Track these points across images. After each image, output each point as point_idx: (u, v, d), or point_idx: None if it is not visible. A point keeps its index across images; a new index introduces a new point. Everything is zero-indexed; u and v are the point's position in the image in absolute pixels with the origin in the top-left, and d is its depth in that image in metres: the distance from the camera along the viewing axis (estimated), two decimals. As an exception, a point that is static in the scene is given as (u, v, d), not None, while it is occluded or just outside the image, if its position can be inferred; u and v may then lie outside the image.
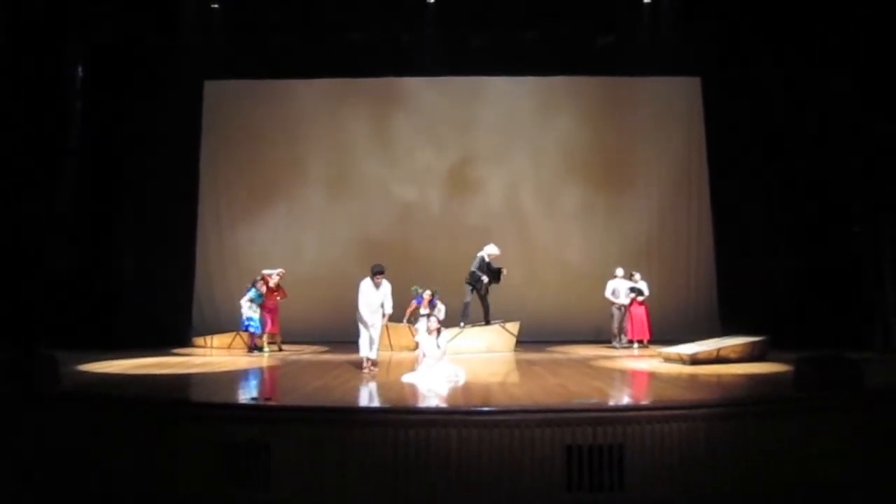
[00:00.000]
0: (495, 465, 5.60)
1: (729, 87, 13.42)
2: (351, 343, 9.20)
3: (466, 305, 11.93)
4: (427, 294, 11.85)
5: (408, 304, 12.10)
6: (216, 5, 13.37)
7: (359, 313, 8.80)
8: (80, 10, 12.32)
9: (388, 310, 8.97)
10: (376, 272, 8.79)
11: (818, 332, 10.80)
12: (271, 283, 12.00)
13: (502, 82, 14.49)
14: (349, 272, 13.82)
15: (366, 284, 8.79)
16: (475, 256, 11.95)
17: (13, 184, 11.34)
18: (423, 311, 11.59)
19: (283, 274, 12.22)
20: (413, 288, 11.99)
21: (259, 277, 12.00)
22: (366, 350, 8.86)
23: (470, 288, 11.91)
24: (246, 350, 11.90)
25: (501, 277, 12.00)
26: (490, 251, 11.96)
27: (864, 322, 11.12)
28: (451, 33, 13.61)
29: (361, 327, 8.85)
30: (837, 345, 8.90)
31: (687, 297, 14.01)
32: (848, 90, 11.45)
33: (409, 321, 12.02)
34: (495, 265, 12.01)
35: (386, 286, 8.89)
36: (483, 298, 11.95)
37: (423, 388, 7.45)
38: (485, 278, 11.78)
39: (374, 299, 8.79)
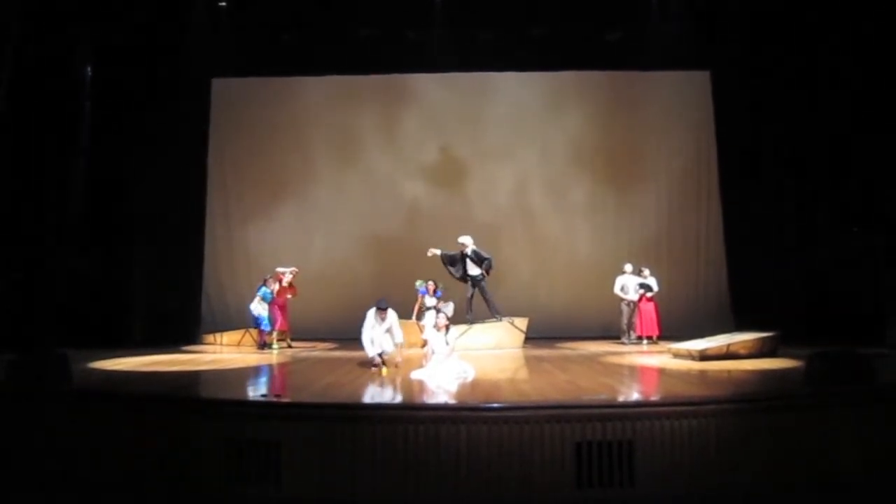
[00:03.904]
0: (505, 461, 5.60)
1: (739, 81, 13.33)
2: (358, 339, 9.19)
3: (469, 301, 11.95)
4: (430, 284, 11.86)
5: (415, 301, 12.10)
6: (223, 3, 13.36)
7: (362, 340, 8.82)
8: (88, 10, 12.35)
9: (398, 339, 8.90)
10: (381, 308, 8.78)
11: (829, 328, 10.75)
12: (284, 282, 12.07)
13: (510, 78, 14.44)
14: (358, 269, 14.00)
15: (371, 316, 8.79)
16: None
17: (24, 183, 11.40)
18: (430, 300, 11.60)
19: (297, 272, 12.28)
20: (417, 283, 12.01)
21: (270, 275, 12.06)
22: (373, 351, 8.84)
23: (469, 284, 11.94)
24: (255, 347, 11.95)
25: (475, 266, 11.88)
26: (463, 241, 11.92)
27: (875, 317, 11.04)
28: (459, 29, 13.55)
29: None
30: (849, 340, 8.86)
31: (696, 292, 13.94)
32: (861, 82, 11.38)
33: (417, 317, 12.01)
34: (480, 254, 11.92)
35: (391, 318, 8.86)
36: (483, 292, 11.94)
37: (432, 384, 7.46)
38: (474, 272, 11.77)
39: (377, 329, 8.79)
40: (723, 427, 5.82)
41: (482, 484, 5.58)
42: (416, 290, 11.96)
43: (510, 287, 13.63)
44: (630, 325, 12.40)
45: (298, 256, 13.40)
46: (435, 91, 14.54)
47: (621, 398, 6.69)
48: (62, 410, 6.39)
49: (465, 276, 11.95)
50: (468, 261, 11.85)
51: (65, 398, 6.56)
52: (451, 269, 11.97)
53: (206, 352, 11.61)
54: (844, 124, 11.79)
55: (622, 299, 12.44)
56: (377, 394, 7.17)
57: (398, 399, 6.91)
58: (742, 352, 9.53)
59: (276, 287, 11.96)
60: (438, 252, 11.99)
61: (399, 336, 8.90)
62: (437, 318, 8.53)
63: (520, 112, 14.45)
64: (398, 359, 8.90)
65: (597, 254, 14.08)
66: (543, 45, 13.61)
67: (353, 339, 9.49)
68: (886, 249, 11.25)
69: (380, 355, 8.79)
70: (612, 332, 12.78)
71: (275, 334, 11.96)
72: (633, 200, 14.34)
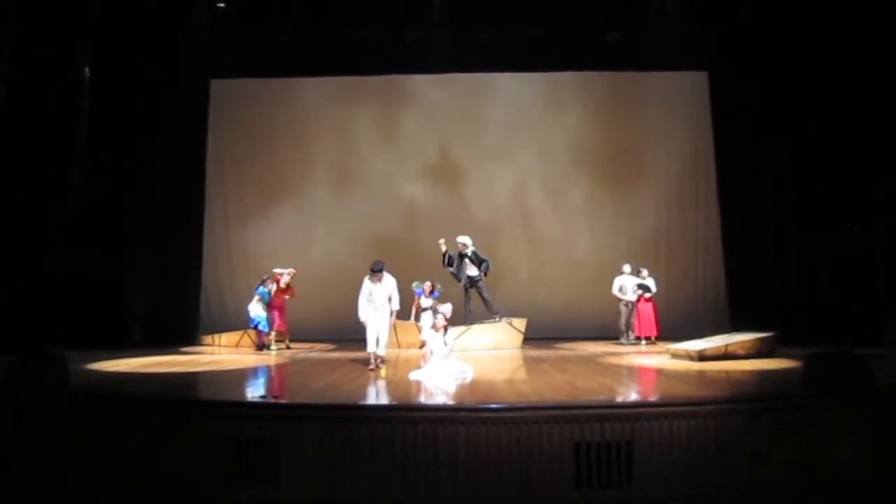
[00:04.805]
0: (504, 462, 5.60)
1: (736, 81, 13.35)
2: (358, 341, 9.21)
3: (466, 302, 11.92)
4: (427, 285, 11.85)
5: (412, 302, 12.11)
6: (222, 4, 13.38)
7: (356, 309, 8.82)
8: (87, 11, 12.35)
9: (395, 306, 8.89)
10: (373, 270, 8.76)
11: (828, 329, 10.75)
12: (282, 283, 12.06)
13: (509, 78, 14.45)
14: (357, 270, 13.75)
15: (366, 284, 8.80)
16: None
17: (23, 184, 11.39)
18: (426, 302, 11.59)
19: (295, 274, 12.27)
20: (413, 284, 12.00)
21: (267, 276, 12.06)
22: (371, 346, 8.86)
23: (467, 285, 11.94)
24: (254, 348, 11.94)
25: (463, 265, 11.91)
26: (462, 241, 11.91)
27: (874, 318, 11.05)
28: (458, 30, 13.56)
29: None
30: (847, 341, 8.86)
31: (695, 293, 13.96)
32: (860, 82, 11.39)
33: (415, 318, 12.01)
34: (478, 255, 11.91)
35: (388, 282, 8.82)
36: (482, 293, 11.93)
37: (430, 385, 7.45)
38: (472, 272, 11.78)
39: (375, 296, 8.76)
40: (721, 427, 5.81)
41: (481, 484, 5.57)
42: (413, 291, 11.96)
43: (509, 287, 13.64)
44: (628, 326, 12.41)
45: (297, 257, 13.41)
46: (434, 92, 14.54)
47: (620, 399, 6.70)
48: (61, 412, 6.38)
49: (464, 277, 11.92)
50: (467, 261, 11.83)
51: (63, 399, 6.55)
52: (451, 269, 11.95)
53: (204, 353, 11.61)
54: (843, 124, 11.79)
55: (621, 300, 12.45)
56: (376, 394, 7.18)
57: (396, 400, 6.91)
58: (740, 352, 9.54)
59: (273, 287, 11.97)
60: (444, 249, 11.91)
61: (396, 302, 8.86)
62: (435, 318, 8.53)
63: (519, 112, 14.47)
64: (392, 318, 8.92)
65: (595, 254, 14.10)
66: (542, 46, 13.63)
67: (352, 339, 9.50)
68: (886, 249, 11.26)
69: (380, 359, 8.80)
70: (610, 333, 12.79)
71: (273, 335, 11.96)
72: (632, 201, 14.36)
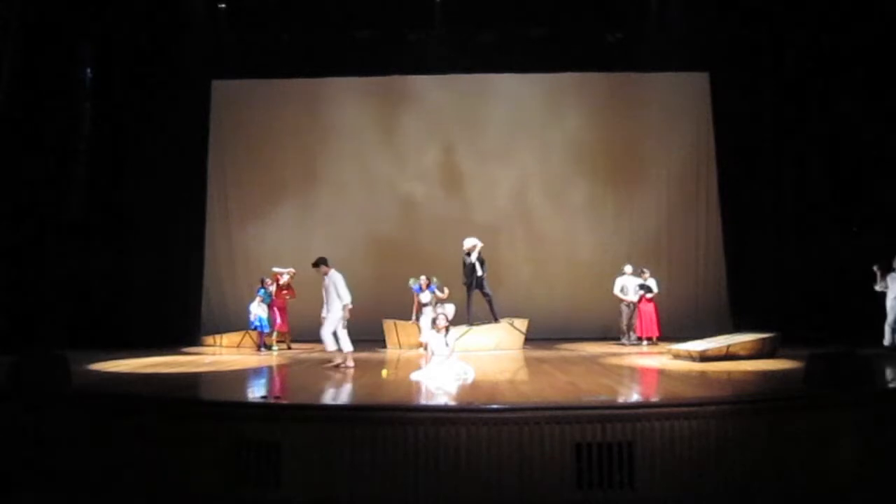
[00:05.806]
0: (505, 463, 5.59)
1: (737, 82, 13.35)
2: (359, 342, 9.22)
3: (469, 302, 11.91)
4: (423, 279, 11.84)
5: (412, 302, 12.11)
6: (223, 5, 13.38)
7: None
8: (88, 12, 12.36)
9: (345, 299, 8.88)
10: (314, 265, 8.82)
11: (829, 329, 10.75)
12: (282, 282, 12.05)
13: (510, 79, 14.43)
14: (357, 271, 13.80)
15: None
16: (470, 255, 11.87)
17: (24, 184, 11.40)
18: (425, 297, 11.58)
19: (294, 273, 12.26)
20: (410, 281, 12.00)
21: (268, 276, 12.06)
22: (328, 346, 8.97)
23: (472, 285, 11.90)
24: (255, 349, 11.95)
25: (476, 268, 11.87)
26: (473, 242, 11.88)
27: (875, 318, 11.03)
28: (459, 31, 13.55)
29: None
30: (848, 341, 8.86)
31: (696, 293, 13.95)
32: (860, 82, 11.40)
33: (416, 318, 12.01)
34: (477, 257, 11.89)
35: (331, 276, 8.82)
36: (484, 291, 11.90)
37: (431, 386, 7.45)
38: (480, 271, 11.75)
39: (324, 293, 8.81)
40: (723, 428, 5.80)
41: (482, 485, 5.57)
42: (411, 289, 11.96)
43: (510, 288, 13.63)
44: (630, 326, 12.40)
45: (298, 258, 13.32)
46: (434, 92, 14.53)
47: (621, 399, 6.70)
48: (62, 412, 6.38)
49: (473, 278, 11.84)
50: (476, 262, 11.78)
51: (64, 400, 6.55)
52: (470, 274, 11.84)
53: (205, 354, 11.61)
54: (843, 124, 11.80)
55: (622, 300, 12.44)
56: (377, 395, 7.17)
57: (397, 401, 6.90)
58: (742, 353, 9.54)
59: (273, 288, 11.97)
60: (473, 259, 11.78)
61: (345, 297, 8.84)
62: (436, 318, 8.53)
63: (519, 113, 14.45)
64: (345, 313, 8.85)
65: (597, 254, 14.09)
66: (543, 47, 13.62)
67: (353, 340, 9.48)
68: (886, 249, 11.24)
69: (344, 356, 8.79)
70: (611, 334, 12.80)
71: (274, 336, 11.97)
72: (633, 201, 14.35)
